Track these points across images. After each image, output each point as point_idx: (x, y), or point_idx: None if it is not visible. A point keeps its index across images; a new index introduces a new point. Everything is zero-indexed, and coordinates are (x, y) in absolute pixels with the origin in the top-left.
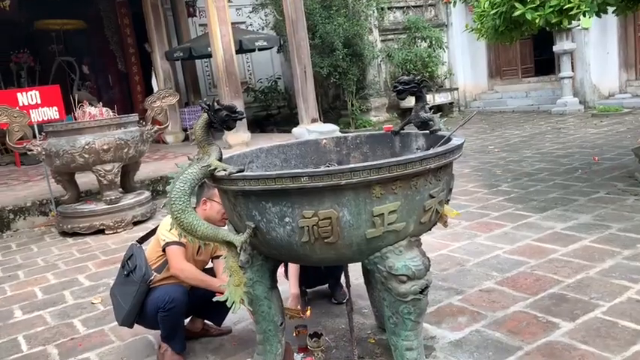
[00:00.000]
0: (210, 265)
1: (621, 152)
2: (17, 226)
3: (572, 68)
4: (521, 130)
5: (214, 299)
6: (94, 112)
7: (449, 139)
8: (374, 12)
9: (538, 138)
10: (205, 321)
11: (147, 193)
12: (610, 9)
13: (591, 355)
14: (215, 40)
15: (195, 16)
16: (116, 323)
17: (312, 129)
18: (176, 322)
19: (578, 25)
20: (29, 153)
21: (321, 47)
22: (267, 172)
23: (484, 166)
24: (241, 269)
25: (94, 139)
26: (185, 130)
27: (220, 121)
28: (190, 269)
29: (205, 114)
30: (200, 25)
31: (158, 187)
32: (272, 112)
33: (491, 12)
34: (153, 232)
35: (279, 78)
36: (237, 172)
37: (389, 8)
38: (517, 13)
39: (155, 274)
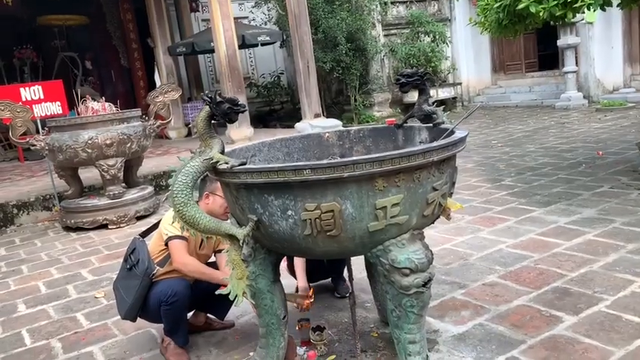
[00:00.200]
0: (212, 259)
1: (625, 146)
2: (21, 221)
3: (577, 63)
4: (524, 124)
5: (217, 292)
6: (96, 107)
7: (452, 132)
8: (377, 6)
9: (542, 133)
10: (208, 315)
11: (150, 188)
12: (615, 2)
13: (595, 348)
14: (218, 35)
15: (198, 11)
16: (119, 317)
17: (315, 124)
18: (179, 315)
19: (583, 20)
20: (32, 148)
21: (324, 42)
22: (270, 165)
23: (487, 161)
24: (244, 262)
25: (97, 134)
26: (188, 125)
27: (222, 114)
28: (193, 263)
29: (207, 106)
30: (203, 20)
31: (161, 182)
32: (275, 107)
33: (495, 5)
34: (155, 226)
35: (282, 73)
36: (240, 164)
37: (392, 3)
38: (521, 6)
39: (158, 267)
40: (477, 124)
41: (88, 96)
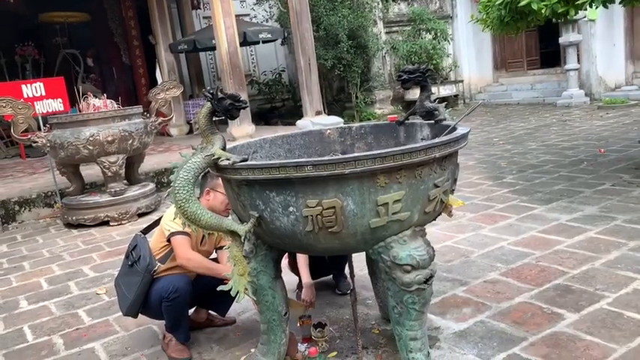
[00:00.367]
0: (214, 255)
1: (627, 144)
2: (22, 217)
3: (578, 60)
4: (526, 122)
5: (219, 288)
6: (98, 104)
7: (454, 129)
8: (378, 4)
9: (543, 130)
10: (210, 311)
11: (151, 185)
12: None
13: (596, 345)
14: (219, 32)
15: (200, 8)
16: (121, 313)
17: (316, 121)
18: (180, 312)
19: (585, 17)
20: (34, 145)
21: (326, 39)
22: (271, 162)
23: (489, 159)
24: (245, 259)
25: (99, 130)
26: (189, 122)
27: (224, 110)
28: (197, 258)
29: (209, 103)
30: (204, 17)
31: (162, 179)
32: (276, 104)
33: (497, 2)
34: (157, 222)
35: (284, 70)
36: (241, 161)
37: (393, 0)
38: (523, 3)
39: (159, 264)
40: (478, 122)
41: (89, 93)
